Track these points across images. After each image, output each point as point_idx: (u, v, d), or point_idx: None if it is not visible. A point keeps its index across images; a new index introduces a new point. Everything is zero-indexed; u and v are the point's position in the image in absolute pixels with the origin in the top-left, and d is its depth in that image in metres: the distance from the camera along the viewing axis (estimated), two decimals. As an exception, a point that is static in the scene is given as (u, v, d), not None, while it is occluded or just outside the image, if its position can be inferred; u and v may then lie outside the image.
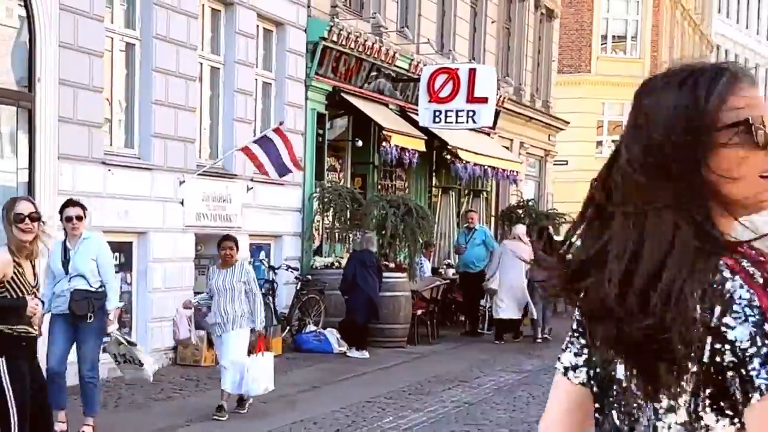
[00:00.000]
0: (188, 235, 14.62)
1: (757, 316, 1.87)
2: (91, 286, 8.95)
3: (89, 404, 9.12)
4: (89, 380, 8.97)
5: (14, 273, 6.48)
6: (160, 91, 13.83)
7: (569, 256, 2.13)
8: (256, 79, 16.53)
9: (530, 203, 26.52)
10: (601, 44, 41.49)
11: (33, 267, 6.80)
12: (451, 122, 19.90)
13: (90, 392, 9.06)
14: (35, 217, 6.67)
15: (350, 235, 18.40)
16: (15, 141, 11.76)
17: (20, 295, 6.50)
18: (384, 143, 19.17)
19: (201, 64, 15.13)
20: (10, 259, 6.53)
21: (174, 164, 14.16)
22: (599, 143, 40.69)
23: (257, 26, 16.43)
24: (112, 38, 13.34)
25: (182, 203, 14.27)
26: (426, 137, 20.55)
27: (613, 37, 42.18)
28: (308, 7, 17.55)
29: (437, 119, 19.90)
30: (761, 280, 1.93)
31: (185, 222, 14.42)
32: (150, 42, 13.70)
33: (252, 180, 16.02)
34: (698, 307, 1.90)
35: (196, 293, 14.96)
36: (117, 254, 13.05)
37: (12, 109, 11.63)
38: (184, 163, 14.39)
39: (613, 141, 41.83)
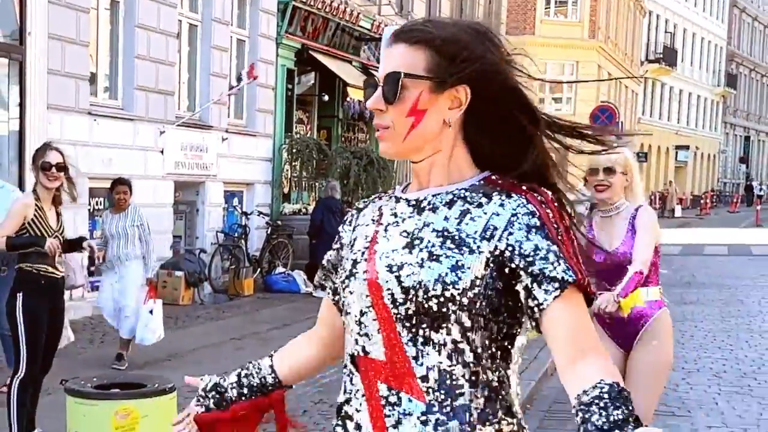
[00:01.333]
0: (168, 183, 14.50)
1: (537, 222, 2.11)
2: None
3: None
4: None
5: (35, 215, 6.34)
6: (142, 46, 13.67)
7: None
8: (231, 37, 16.38)
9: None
10: (545, 8, 41.61)
11: (57, 214, 6.62)
12: (406, 83, 19.77)
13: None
14: (62, 167, 6.49)
15: (316, 184, 18.51)
16: (7, 92, 11.59)
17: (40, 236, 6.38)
18: (348, 98, 19.31)
19: (180, 21, 14.93)
20: (33, 202, 6.41)
21: (155, 115, 14.04)
22: (541, 100, 40.84)
23: (233, -14, 16.31)
24: (97, -1, 13.17)
25: (162, 152, 14.18)
26: (387, 93, 20.30)
27: (556, 1, 42.26)
28: (280, -32, 17.44)
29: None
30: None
31: (165, 170, 14.31)
32: (132, 1, 13.57)
33: (227, 131, 15.97)
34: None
35: (175, 237, 15.05)
36: (101, 199, 13.01)
37: (4, 61, 11.46)
38: (164, 114, 14.28)
39: (555, 99, 42.13)
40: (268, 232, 16.57)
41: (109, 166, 12.79)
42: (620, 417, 1.96)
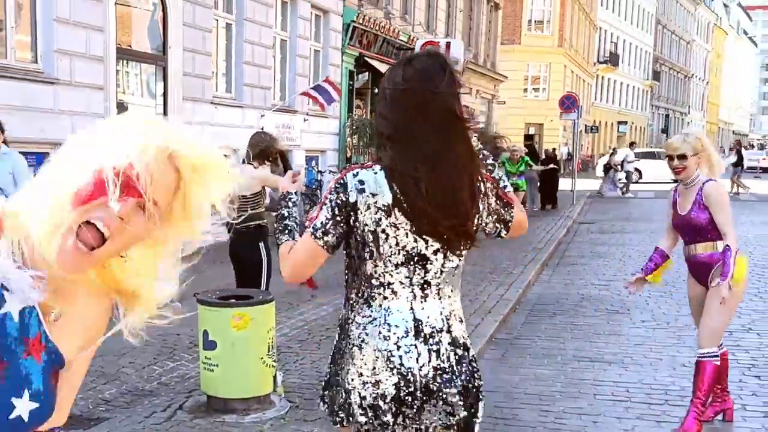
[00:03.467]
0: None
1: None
2: None
3: None
4: None
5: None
6: (248, 55, 13.45)
7: None
8: (310, 48, 16.14)
9: (483, 129, 26.15)
10: (527, 25, 40.98)
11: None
12: (434, 78, 19.57)
13: None
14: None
15: (369, 150, 18.26)
16: (154, 87, 11.42)
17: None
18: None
19: (275, 37, 14.72)
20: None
21: (257, 104, 13.87)
22: (525, 90, 40.88)
23: (311, 13, 15.95)
24: (217, 20, 12.92)
25: (262, 129, 13.94)
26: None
27: (535, 21, 41.71)
28: (344, 0, 17.07)
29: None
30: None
31: (264, 142, 14.14)
32: (242, 23, 13.30)
33: (307, 114, 15.74)
34: None
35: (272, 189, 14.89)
36: (220, 163, 12.94)
37: (152, 67, 11.30)
38: (263, 102, 14.08)
39: (534, 89, 41.80)
40: (329, 182, 16.36)
41: (225, 139, 12.59)
42: None
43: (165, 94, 11.35)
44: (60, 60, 9.18)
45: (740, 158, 27.23)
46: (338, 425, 2.21)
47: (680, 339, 7.09)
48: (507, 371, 6.12)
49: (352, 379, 2.14)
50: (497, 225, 2.29)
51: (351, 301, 2.22)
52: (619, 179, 25.27)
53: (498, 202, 2.26)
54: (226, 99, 13.21)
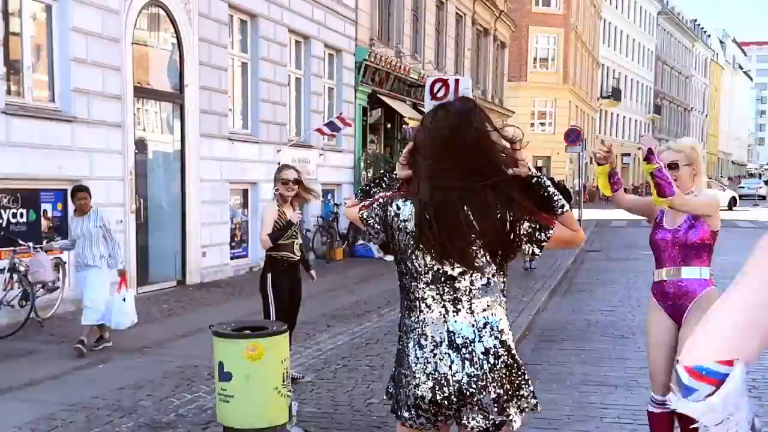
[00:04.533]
0: (284, 185, 14.19)
1: None
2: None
3: None
4: None
5: (279, 216, 5.73)
6: (264, 93, 13.34)
7: None
8: (324, 85, 15.99)
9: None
10: (533, 63, 41.06)
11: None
12: (445, 113, 19.46)
13: None
14: (297, 181, 5.79)
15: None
16: (172, 123, 11.32)
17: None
18: (404, 125, 18.94)
19: (290, 75, 14.57)
20: (275, 207, 5.76)
21: (273, 139, 13.71)
22: (532, 124, 40.82)
23: (324, 52, 15.84)
24: (233, 59, 12.82)
25: (279, 164, 13.82)
26: (429, 122, 20.17)
27: (540, 59, 41.70)
28: (356, 39, 16.97)
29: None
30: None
31: (282, 176, 14.00)
32: (257, 62, 13.20)
33: (323, 149, 15.61)
34: None
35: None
36: (238, 197, 12.75)
37: (170, 105, 11.23)
38: (279, 138, 13.92)
39: (541, 124, 41.70)
40: (360, 194, 16.12)
41: (243, 174, 12.51)
42: None
43: (183, 131, 11.25)
44: (77, 98, 9.10)
45: None
46: (395, 416, 2.41)
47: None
48: None
49: (401, 380, 2.33)
50: (529, 245, 2.34)
51: (401, 309, 2.43)
52: None
53: (532, 225, 2.31)
54: (243, 135, 13.04)
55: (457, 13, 24.55)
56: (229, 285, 11.36)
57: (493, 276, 2.32)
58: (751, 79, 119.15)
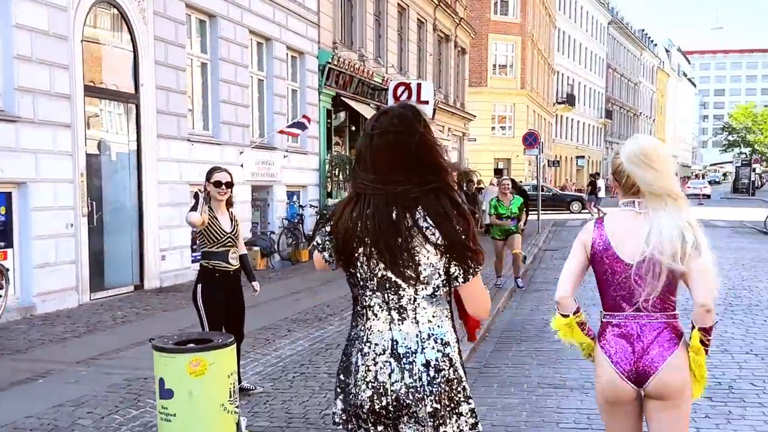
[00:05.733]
0: (247, 187, 13.46)
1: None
2: None
3: None
4: None
5: (210, 222, 5.12)
6: (225, 94, 12.66)
7: None
8: (287, 87, 15.32)
9: (466, 167, 25.76)
10: (492, 69, 41.03)
11: (231, 219, 5.28)
12: (407, 116, 18.98)
13: None
14: (230, 184, 5.22)
15: (348, 185, 17.56)
16: (127, 124, 10.56)
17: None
18: (366, 128, 18.39)
19: (251, 77, 13.91)
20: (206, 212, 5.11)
21: (236, 141, 13.02)
22: (493, 128, 40.90)
23: (287, 54, 15.18)
24: (192, 59, 12.09)
25: (242, 166, 13.14)
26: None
27: (499, 65, 41.74)
28: (318, 42, 16.34)
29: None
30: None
31: (245, 178, 13.27)
32: (217, 62, 12.50)
33: (287, 151, 14.96)
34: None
35: (253, 223, 14.08)
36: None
37: (125, 105, 10.47)
38: (242, 140, 13.23)
39: (501, 127, 41.75)
40: (317, 217, 15.59)
41: (203, 175, 11.78)
42: None
43: (138, 131, 10.49)
44: (22, 97, 8.31)
45: (594, 188, 27.67)
46: (337, 425, 2.29)
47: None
48: (476, 401, 5.41)
49: (342, 388, 2.24)
50: (458, 269, 2.19)
51: (352, 318, 2.31)
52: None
53: (464, 247, 2.15)
54: (204, 136, 12.27)
55: (418, 18, 24.11)
56: (190, 289, 10.63)
57: (439, 287, 2.18)
58: (695, 85, 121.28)
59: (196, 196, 5.15)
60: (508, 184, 10.92)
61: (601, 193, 28.42)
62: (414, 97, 19.04)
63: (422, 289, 2.16)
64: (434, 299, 2.18)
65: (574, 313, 2.83)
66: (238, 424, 4.38)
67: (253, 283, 5.59)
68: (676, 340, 2.65)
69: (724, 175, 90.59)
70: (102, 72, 10.08)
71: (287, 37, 14.90)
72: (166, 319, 8.40)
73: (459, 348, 2.26)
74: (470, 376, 6.23)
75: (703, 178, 63.82)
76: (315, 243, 2.29)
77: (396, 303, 2.17)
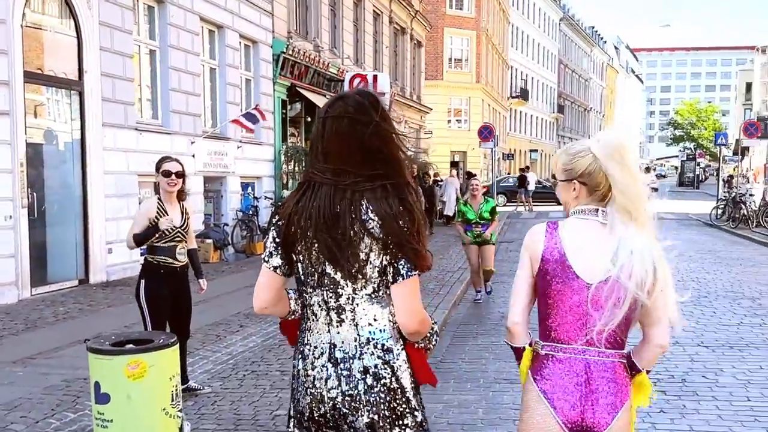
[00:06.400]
0: (199, 178, 13.02)
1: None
2: None
3: None
4: None
5: (158, 214, 4.82)
6: (175, 82, 12.18)
7: None
8: (240, 77, 14.89)
9: (421, 158, 25.49)
10: (448, 63, 41.02)
11: (182, 212, 4.97)
12: (364, 108, 18.73)
13: None
14: (180, 174, 4.90)
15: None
16: (70, 113, 10.03)
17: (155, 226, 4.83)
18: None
19: (203, 65, 13.44)
20: (155, 204, 4.87)
21: (187, 130, 12.54)
22: (449, 121, 41.03)
23: (240, 42, 14.73)
24: (138, 45, 11.58)
25: (194, 156, 12.70)
26: (348, 117, 19.48)
27: (454, 59, 41.67)
28: (273, 31, 15.90)
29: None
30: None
31: (196, 168, 12.84)
32: (166, 50, 12.01)
33: (240, 142, 14.53)
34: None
35: (206, 215, 13.65)
36: (148, 190, 11.56)
37: (68, 92, 9.94)
38: (193, 129, 12.76)
39: (457, 120, 41.79)
40: (273, 210, 15.19)
41: (152, 166, 11.30)
42: None
43: (83, 120, 9.97)
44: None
45: (524, 181, 28.01)
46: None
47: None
48: (432, 399, 5.40)
49: (291, 392, 2.14)
50: (392, 267, 1.97)
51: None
52: None
53: (406, 246, 1.94)
54: (153, 125, 11.71)
55: (374, 10, 23.83)
56: (138, 283, 10.26)
57: (380, 287, 1.98)
58: (642, 82, 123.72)
59: (154, 227, 4.83)
60: (477, 185, 9.23)
61: (531, 186, 28.36)
62: (370, 88, 18.87)
63: (361, 287, 1.98)
64: (375, 300, 2.00)
65: (530, 345, 2.23)
66: (181, 429, 4.11)
67: (200, 280, 5.26)
68: (627, 388, 2.16)
69: (676, 167, 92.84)
70: (44, 58, 9.55)
71: (240, 25, 14.46)
72: (112, 315, 8.00)
73: (408, 356, 2.04)
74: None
75: (652, 171, 65.09)
76: (263, 257, 2.10)
77: (334, 302, 2.01)
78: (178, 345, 4.08)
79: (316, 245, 1.99)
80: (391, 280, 1.97)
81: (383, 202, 1.93)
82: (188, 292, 5.11)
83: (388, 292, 2.00)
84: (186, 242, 5.00)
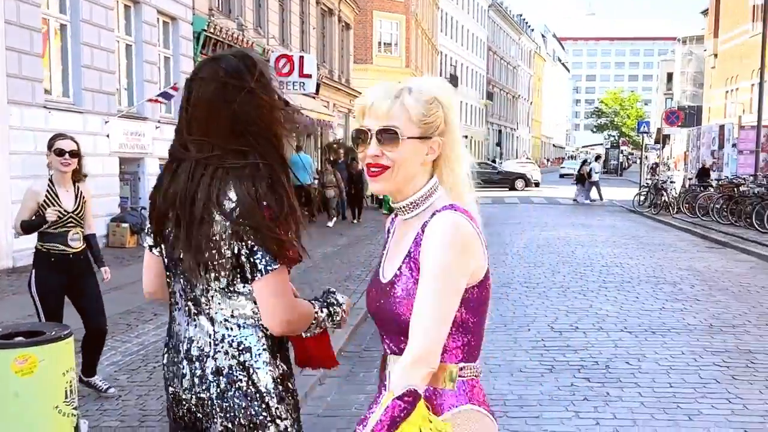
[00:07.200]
0: (114, 159, 12.39)
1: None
2: None
3: None
4: None
5: (47, 199, 4.47)
6: (87, 58, 11.51)
7: None
8: (159, 54, 14.24)
9: (341, 140, 25.06)
10: (377, 47, 40.89)
11: (76, 195, 4.58)
12: (289, 89, 18.14)
13: None
14: (75, 153, 4.50)
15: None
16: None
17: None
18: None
19: (118, 41, 12.77)
20: (42, 188, 4.51)
21: (100, 109, 11.89)
22: None
23: (158, 19, 14.07)
24: (49, 20, 10.89)
25: (108, 136, 12.08)
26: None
27: (384, 43, 41.54)
28: (193, 8, 15.28)
29: (280, 87, 18.26)
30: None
31: (111, 149, 12.22)
32: (78, 24, 11.34)
33: (159, 122, 13.91)
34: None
35: (122, 198, 13.04)
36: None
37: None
38: (107, 108, 12.12)
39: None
40: None
41: (64, 147, 10.74)
42: None
43: (-17, 96, 9.31)
44: None
45: None
46: None
47: (517, 342, 6.54)
48: (353, 390, 5.27)
49: None
50: (248, 261, 1.71)
51: None
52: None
53: (265, 236, 1.67)
54: (63, 103, 11.08)
55: (301, -10, 23.36)
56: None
57: (235, 280, 1.72)
58: (569, 70, 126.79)
59: (41, 218, 4.43)
60: None
61: None
62: (296, 70, 18.47)
63: (214, 279, 1.74)
64: (233, 293, 1.75)
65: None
66: (77, 428, 3.79)
67: (102, 269, 4.85)
68: None
69: (597, 157, 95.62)
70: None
71: (158, 1, 13.81)
72: (15, 304, 7.47)
73: (275, 359, 1.78)
74: (349, 362, 5.87)
75: (575, 159, 66.87)
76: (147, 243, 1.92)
77: (191, 293, 1.80)
78: (71, 338, 3.74)
79: (174, 229, 1.78)
80: (249, 276, 1.70)
81: (248, 182, 1.66)
82: (92, 278, 4.74)
83: (250, 285, 1.74)
84: (81, 228, 4.61)
